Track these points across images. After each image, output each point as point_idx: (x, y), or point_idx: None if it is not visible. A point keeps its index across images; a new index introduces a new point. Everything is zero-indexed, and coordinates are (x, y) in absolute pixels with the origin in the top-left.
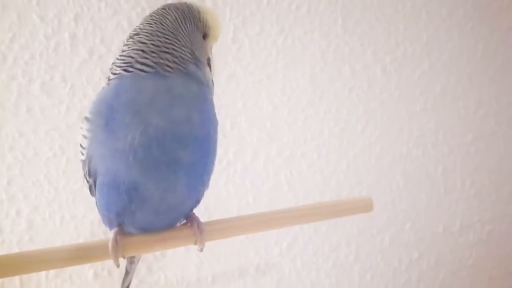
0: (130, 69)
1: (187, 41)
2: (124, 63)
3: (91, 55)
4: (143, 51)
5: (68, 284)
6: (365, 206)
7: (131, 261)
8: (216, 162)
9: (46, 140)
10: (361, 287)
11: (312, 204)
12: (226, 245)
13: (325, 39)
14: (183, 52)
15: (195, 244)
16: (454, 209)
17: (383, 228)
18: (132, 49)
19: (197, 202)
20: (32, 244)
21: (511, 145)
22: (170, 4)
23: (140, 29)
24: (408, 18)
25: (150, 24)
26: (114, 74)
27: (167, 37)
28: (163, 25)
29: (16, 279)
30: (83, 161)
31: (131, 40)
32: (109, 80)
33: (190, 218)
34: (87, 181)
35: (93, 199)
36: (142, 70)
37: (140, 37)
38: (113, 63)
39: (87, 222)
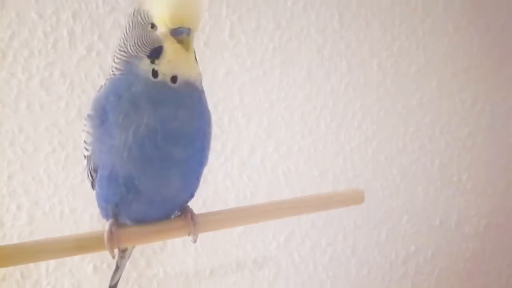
0: (118, 71)
1: (135, 45)
2: (115, 63)
3: (89, 51)
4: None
5: (68, 277)
6: (356, 198)
7: (122, 255)
8: (214, 157)
9: (46, 135)
10: (358, 280)
11: (304, 196)
12: (224, 238)
13: (322, 35)
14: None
15: (189, 235)
16: (450, 203)
17: (380, 222)
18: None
19: (192, 195)
20: (33, 238)
21: (508, 138)
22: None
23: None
24: (404, 13)
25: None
26: (110, 73)
27: (123, 48)
28: (127, 28)
29: (17, 273)
30: (88, 157)
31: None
32: (106, 79)
33: (184, 210)
34: (91, 176)
35: (93, 193)
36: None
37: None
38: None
39: (86, 216)
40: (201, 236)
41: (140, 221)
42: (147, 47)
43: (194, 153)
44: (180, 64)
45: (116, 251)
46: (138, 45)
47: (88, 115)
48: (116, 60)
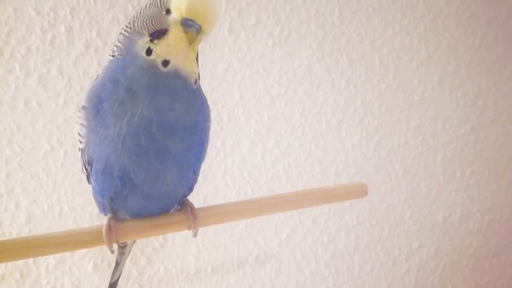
0: (117, 50)
1: (143, 22)
2: (118, 41)
3: (87, 48)
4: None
5: (68, 276)
6: (360, 191)
7: (122, 252)
8: (214, 154)
9: (44, 133)
10: (361, 277)
11: (307, 190)
12: (225, 236)
13: (322, 30)
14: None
15: (189, 229)
16: (454, 199)
17: (383, 218)
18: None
19: (190, 189)
20: None
21: (511, 134)
22: None
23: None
24: (405, 7)
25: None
26: (109, 56)
27: (130, 25)
28: (142, 9)
29: (16, 272)
30: (82, 150)
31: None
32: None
33: (184, 204)
34: (86, 169)
35: (90, 190)
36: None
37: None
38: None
39: (86, 214)
40: (202, 233)
41: (139, 215)
42: (153, 26)
43: (191, 147)
44: (177, 52)
45: (115, 246)
46: (146, 23)
47: (83, 107)
48: (119, 38)
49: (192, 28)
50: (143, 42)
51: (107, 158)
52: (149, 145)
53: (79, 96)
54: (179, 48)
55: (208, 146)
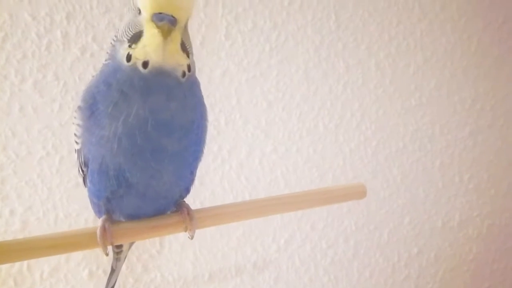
0: (107, 57)
1: (123, 29)
2: (108, 53)
3: (83, 53)
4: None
5: (62, 283)
6: (359, 192)
7: (118, 257)
8: (211, 159)
9: (39, 139)
10: (360, 283)
11: (305, 191)
12: (223, 242)
13: (318, 35)
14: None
15: (185, 231)
16: (453, 204)
17: (381, 224)
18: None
19: (187, 190)
20: None
21: (509, 138)
22: None
23: None
24: (402, 12)
25: None
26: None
27: (116, 33)
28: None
29: (10, 280)
30: (78, 150)
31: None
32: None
33: (180, 206)
34: (82, 171)
35: (86, 194)
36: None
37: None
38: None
39: (81, 220)
40: (200, 239)
41: (134, 217)
42: (130, 31)
43: (188, 146)
44: (153, 50)
45: (110, 250)
46: (125, 29)
47: (79, 107)
48: (109, 46)
49: (162, 21)
50: (123, 50)
51: (103, 158)
52: (145, 144)
53: (75, 101)
54: (154, 45)
55: (205, 147)
